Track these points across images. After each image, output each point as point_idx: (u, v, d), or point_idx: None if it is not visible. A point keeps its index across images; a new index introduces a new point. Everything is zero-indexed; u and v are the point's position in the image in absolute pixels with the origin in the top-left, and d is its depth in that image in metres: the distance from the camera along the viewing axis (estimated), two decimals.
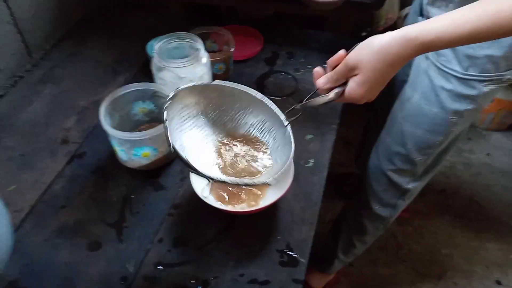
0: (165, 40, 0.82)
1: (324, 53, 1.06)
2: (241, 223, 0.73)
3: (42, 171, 0.80)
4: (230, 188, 0.74)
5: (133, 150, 0.75)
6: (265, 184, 0.61)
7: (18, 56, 1.00)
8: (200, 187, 0.72)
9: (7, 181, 0.78)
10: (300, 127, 0.88)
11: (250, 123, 0.72)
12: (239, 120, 0.72)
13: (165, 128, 0.60)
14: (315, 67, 0.67)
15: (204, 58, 0.83)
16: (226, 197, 0.73)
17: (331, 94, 0.64)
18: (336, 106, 0.93)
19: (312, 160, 0.82)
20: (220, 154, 0.71)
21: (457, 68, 0.78)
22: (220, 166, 0.70)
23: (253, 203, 0.73)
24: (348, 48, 0.62)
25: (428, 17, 0.78)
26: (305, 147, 0.85)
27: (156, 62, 0.81)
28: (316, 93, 0.67)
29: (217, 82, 0.68)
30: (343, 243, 1.26)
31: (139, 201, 0.76)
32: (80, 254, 0.69)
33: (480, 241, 1.61)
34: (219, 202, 0.72)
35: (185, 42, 0.83)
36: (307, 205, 0.75)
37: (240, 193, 0.74)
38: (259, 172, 0.70)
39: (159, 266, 0.67)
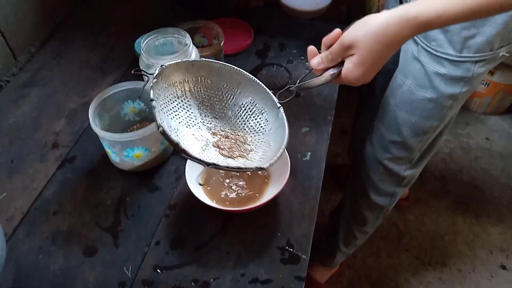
0: (151, 36, 0.79)
1: (317, 42, 1.04)
2: (239, 221, 0.71)
3: (32, 176, 0.78)
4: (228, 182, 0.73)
5: (124, 151, 0.72)
6: (260, 169, 0.59)
7: (3, 60, 0.97)
8: (195, 183, 0.70)
9: None
10: (295, 119, 0.86)
11: (240, 103, 0.69)
12: (228, 100, 0.69)
13: (153, 108, 0.57)
14: (308, 58, 0.64)
15: (193, 53, 0.80)
16: (226, 195, 0.72)
17: (327, 75, 0.62)
18: (330, 96, 0.92)
19: (308, 153, 0.80)
20: (211, 135, 0.68)
21: (450, 51, 0.77)
22: (211, 147, 0.67)
23: (254, 198, 0.71)
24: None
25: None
26: (301, 140, 0.83)
27: (144, 59, 0.78)
28: (311, 73, 0.65)
29: (204, 59, 0.65)
30: (343, 235, 1.24)
31: (134, 204, 0.74)
32: (75, 260, 0.67)
33: (482, 226, 1.60)
34: (214, 201, 0.70)
35: (172, 37, 0.81)
36: (305, 200, 0.73)
37: (241, 190, 0.72)
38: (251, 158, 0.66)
39: (157, 269, 0.66)
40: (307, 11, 0.81)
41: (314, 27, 1.09)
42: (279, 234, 0.69)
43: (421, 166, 1.03)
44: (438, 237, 1.57)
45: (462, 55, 0.76)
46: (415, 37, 0.82)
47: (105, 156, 0.79)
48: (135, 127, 0.83)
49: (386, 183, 1.04)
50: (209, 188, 0.73)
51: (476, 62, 0.77)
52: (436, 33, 0.77)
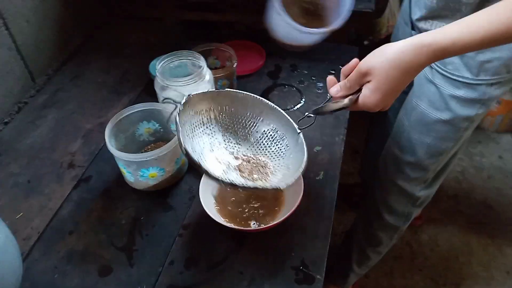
0: (167, 59, 0.81)
1: (327, 63, 1.05)
2: (253, 241, 0.71)
3: (48, 196, 0.79)
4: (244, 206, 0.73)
5: (139, 171, 0.73)
6: (277, 189, 0.60)
7: (22, 82, 1.00)
8: (209, 206, 0.71)
9: (13, 208, 0.77)
10: (307, 138, 0.87)
11: (262, 130, 0.72)
12: (250, 127, 0.72)
13: (178, 131, 0.59)
14: (319, 79, 0.66)
15: (207, 75, 0.82)
16: (240, 215, 0.72)
17: (345, 100, 0.63)
18: (342, 116, 0.92)
19: (322, 173, 0.80)
20: (233, 160, 0.70)
21: (467, 74, 0.77)
22: (233, 170, 0.69)
23: (267, 219, 0.71)
24: (351, 57, 0.62)
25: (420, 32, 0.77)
26: (313, 159, 0.83)
27: (159, 81, 0.80)
28: (330, 101, 0.66)
29: (229, 89, 0.69)
30: (357, 255, 1.23)
31: (148, 223, 0.75)
32: (90, 280, 0.67)
33: (497, 246, 1.57)
34: (226, 220, 0.70)
35: (187, 60, 0.83)
36: (319, 219, 0.73)
37: (254, 211, 0.73)
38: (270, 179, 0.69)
39: None
40: (301, 45, 0.83)
41: (325, 49, 1.11)
42: (293, 254, 0.69)
43: (436, 186, 1.02)
44: (453, 258, 1.54)
45: (479, 78, 0.76)
46: None
47: (119, 176, 0.80)
48: (149, 147, 0.84)
49: (400, 204, 1.04)
50: (221, 206, 0.73)
51: (492, 84, 0.77)
52: (452, 57, 0.77)
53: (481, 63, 0.75)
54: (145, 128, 0.82)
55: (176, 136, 0.66)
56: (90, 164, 0.85)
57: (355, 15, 0.99)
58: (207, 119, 0.69)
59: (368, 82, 0.60)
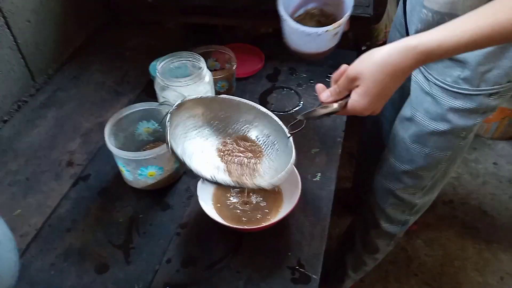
0: (167, 60, 0.82)
1: (326, 67, 1.06)
2: (250, 240, 0.72)
3: (47, 194, 0.80)
4: (241, 207, 0.74)
5: (138, 170, 0.74)
6: (262, 188, 0.62)
7: (22, 81, 1.00)
8: (207, 205, 0.71)
9: (12, 205, 0.78)
10: (305, 140, 0.88)
11: (254, 136, 0.72)
12: (243, 133, 0.72)
13: (166, 134, 0.60)
14: (317, 82, 0.67)
15: (207, 76, 0.83)
16: (237, 214, 0.73)
17: (335, 105, 0.64)
18: (339, 119, 0.93)
19: (319, 174, 0.81)
20: (223, 160, 0.70)
21: (466, 86, 0.76)
22: (223, 170, 0.69)
23: (265, 218, 0.72)
24: (350, 62, 0.62)
25: None
26: (311, 161, 0.84)
27: (159, 81, 0.81)
28: (320, 106, 0.67)
29: (224, 95, 0.69)
30: (352, 260, 1.23)
31: (146, 221, 0.75)
32: (87, 277, 0.68)
33: (492, 252, 1.58)
34: (225, 220, 0.71)
35: (187, 61, 0.84)
36: (316, 220, 0.74)
37: (252, 210, 0.73)
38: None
39: (168, 287, 0.66)
40: (312, 53, 0.88)
41: None
42: (289, 254, 0.69)
43: (433, 193, 1.01)
44: (448, 263, 1.55)
45: (479, 88, 0.76)
46: (425, 73, 0.82)
47: (118, 174, 0.80)
48: (148, 146, 0.85)
49: (397, 212, 1.03)
50: (219, 206, 0.74)
51: (491, 95, 0.76)
52: (451, 70, 0.76)
53: (481, 74, 0.74)
54: (144, 128, 0.83)
55: None
56: (89, 162, 0.85)
57: (354, 20, 1.01)
58: (202, 123, 0.70)
59: (357, 87, 0.61)
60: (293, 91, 1.01)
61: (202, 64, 0.82)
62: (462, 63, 0.74)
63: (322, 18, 0.91)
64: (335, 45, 0.86)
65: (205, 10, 1.15)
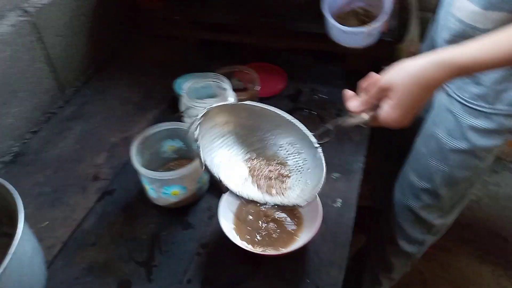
0: (193, 81, 0.84)
1: (348, 88, 1.07)
2: (270, 265, 0.72)
3: (73, 207, 0.82)
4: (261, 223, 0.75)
5: (163, 188, 0.76)
6: (296, 206, 0.61)
7: (51, 93, 1.04)
8: (228, 227, 0.72)
9: (38, 216, 0.80)
10: (326, 165, 0.88)
11: (279, 144, 0.71)
12: (268, 140, 0.72)
13: (198, 147, 0.61)
14: (339, 104, 0.66)
15: (231, 97, 0.85)
16: (258, 237, 0.73)
17: (365, 116, 0.64)
18: (361, 144, 0.94)
19: (340, 200, 0.82)
20: (250, 173, 0.70)
21: (482, 103, 0.77)
22: (250, 184, 0.69)
23: (285, 242, 0.73)
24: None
25: None
26: (331, 185, 0.84)
27: (185, 101, 0.83)
28: (349, 116, 0.66)
29: (247, 102, 0.68)
30: (368, 280, 1.23)
31: (168, 240, 0.76)
32: None
33: (510, 279, 1.54)
34: (244, 243, 0.72)
35: (212, 82, 0.86)
36: (335, 247, 0.74)
37: (272, 234, 0.74)
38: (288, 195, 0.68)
39: None
40: (349, 47, 0.95)
41: (344, 74, 1.13)
42: (308, 281, 0.70)
43: (452, 215, 1.01)
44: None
45: (496, 107, 0.77)
46: (448, 89, 0.83)
47: (141, 191, 0.82)
48: (172, 164, 0.87)
49: (416, 231, 1.03)
50: (240, 226, 0.74)
51: (509, 116, 0.77)
52: (469, 86, 0.78)
53: (497, 93, 0.75)
54: (169, 146, 0.85)
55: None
56: (114, 177, 0.87)
57: (376, 43, 1.02)
58: (225, 131, 0.69)
59: (387, 97, 0.60)
60: (315, 113, 1.02)
61: (227, 85, 0.84)
62: (477, 80, 0.75)
63: (365, 17, 0.96)
64: (372, 41, 0.94)
65: (224, 27, 1.17)
